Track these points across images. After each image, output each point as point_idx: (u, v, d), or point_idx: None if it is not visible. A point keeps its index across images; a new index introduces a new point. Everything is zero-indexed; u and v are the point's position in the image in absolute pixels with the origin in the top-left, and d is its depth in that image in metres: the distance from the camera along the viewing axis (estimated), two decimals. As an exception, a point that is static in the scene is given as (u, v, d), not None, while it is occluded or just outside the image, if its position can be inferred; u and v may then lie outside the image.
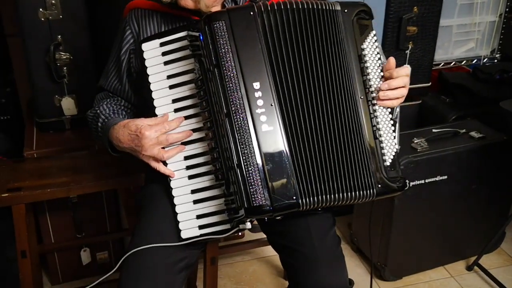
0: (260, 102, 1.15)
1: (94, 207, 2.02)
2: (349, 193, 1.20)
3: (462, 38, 2.62)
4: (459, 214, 2.08)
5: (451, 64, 2.67)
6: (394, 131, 1.25)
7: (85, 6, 1.88)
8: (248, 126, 1.14)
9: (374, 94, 1.24)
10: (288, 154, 1.16)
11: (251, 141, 1.14)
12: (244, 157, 1.14)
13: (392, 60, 1.24)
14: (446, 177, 1.97)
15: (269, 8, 1.17)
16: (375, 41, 1.25)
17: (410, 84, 2.29)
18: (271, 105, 1.16)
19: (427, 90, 2.43)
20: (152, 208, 1.33)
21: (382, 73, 1.25)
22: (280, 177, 1.15)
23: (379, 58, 1.25)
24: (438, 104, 2.40)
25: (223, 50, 1.14)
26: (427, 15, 2.25)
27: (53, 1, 1.81)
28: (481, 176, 2.05)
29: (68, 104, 1.97)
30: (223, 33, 1.14)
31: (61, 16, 1.84)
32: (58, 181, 1.65)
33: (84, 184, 1.65)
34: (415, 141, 1.98)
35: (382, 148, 1.24)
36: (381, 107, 1.24)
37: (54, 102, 1.96)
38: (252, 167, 1.14)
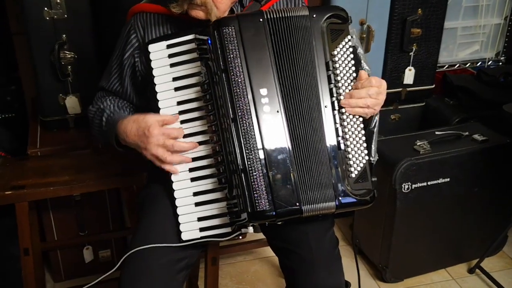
0: (266, 109, 1.16)
1: (97, 206, 2.03)
2: (311, 206, 1.18)
3: (466, 41, 2.62)
4: (461, 217, 2.08)
5: (456, 67, 2.67)
6: (366, 141, 1.21)
7: (89, 6, 1.89)
8: (254, 132, 1.15)
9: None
10: (293, 160, 1.17)
11: (257, 146, 1.15)
12: (249, 162, 1.14)
13: (362, 72, 1.20)
14: (448, 179, 1.97)
15: (275, 16, 1.17)
16: (350, 46, 1.20)
17: (415, 86, 2.35)
18: (277, 111, 1.17)
19: (430, 92, 2.43)
20: (153, 208, 1.34)
21: (355, 81, 1.20)
22: (284, 183, 1.16)
23: (353, 65, 1.20)
24: (442, 106, 2.40)
25: (231, 55, 1.15)
26: (432, 17, 2.25)
27: (58, 1, 1.82)
28: (483, 179, 2.04)
29: (72, 103, 1.98)
30: (232, 38, 1.15)
31: (66, 16, 1.85)
32: (61, 179, 1.66)
33: (87, 183, 1.65)
34: (418, 143, 1.98)
35: (348, 158, 1.20)
36: (351, 117, 1.20)
37: (58, 100, 1.97)
38: (256, 172, 1.14)
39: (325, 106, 1.19)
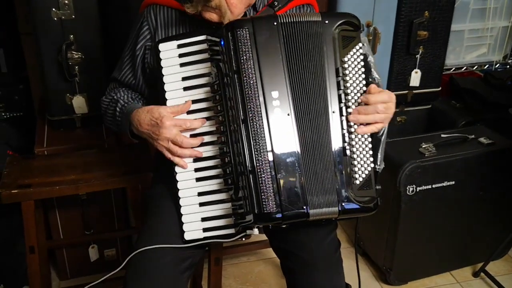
0: (277, 111, 1.16)
1: (102, 205, 2.04)
2: (317, 210, 1.18)
3: (474, 43, 2.61)
4: (466, 220, 2.07)
5: (463, 69, 2.66)
6: (372, 149, 1.21)
7: (97, 6, 1.91)
8: (264, 134, 1.15)
9: (350, 110, 1.19)
10: (301, 164, 1.17)
11: (266, 148, 1.15)
12: (258, 164, 1.15)
13: (372, 86, 1.20)
14: (453, 182, 1.96)
15: (288, 20, 1.18)
16: (361, 53, 1.20)
17: (421, 88, 2.35)
18: (288, 114, 1.17)
19: (437, 95, 2.42)
20: (158, 208, 1.35)
21: (364, 88, 1.20)
22: (292, 185, 1.16)
23: (363, 72, 1.20)
24: (448, 109, 2.40)
25: (244, 57, 1.15)
26: (439, 19, 2.24)
27: (66, 1, 1.84)
28: (489, 182, 2.03)
29: (79, 103, 2.00)
30: (246, 40, 1.15)
31: (73, 16, 1.87)
32: (67, 178, 1.67)
33: (92, 182, 1.67)
34: (423, 146, 1.97)
35: (353, 165, 1.20)
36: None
37: (66, 100, 1.99)
38: (265, 174, 1.15)
39: (333, 112, 1.19)
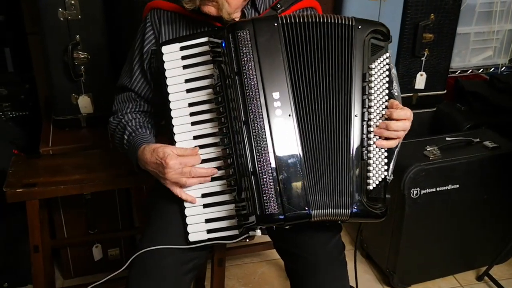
0: (278, 112, 1.17)
1: (107, 205, 2.05)
2: (322, 211, 1.18)
3: (479, 46, 2.60)
4: (470, 224, 2.06)
5: (468, 72, 2.65)
6: (386, 157, 1.23)
7: (103, 7, 1.91)
8: (265, 135, 1.16)
9: (372, 116, 1.21)
10: (303, 164, 1.17)
11: (267, 149, 1.16)
12: (259, 165, 1.15)
13: (394, 101, 1.22)
14: (458, 186, 1.96)
15: (290, 21, 1.18)
16: (387, 63, 1.22)
17: (426, 91, 2.35)
18: (289, 115, 1.17)
19: (442, 98, 2.42)
20: (162, 209, 1.35)
21: (387, 97, 1.22)
22: (294, 187, 1.16)
23: (387, 82, 1.22)
24: (453, 112, 2.39)
25: (245, 59, 1.16)
26: (444, 22, 2.24)
27: (73, 2, 1.85)
28: (493, 186, 2.03)
29: (84, 103, 2.00)
30: (246, 42, 1.16)
31: (79, 16, 1.87)
32: (72, 178, 1.68)
33: (97, 182, 1.67)
34: (428, 149, 1.97)
35: (368, 170, 1.21)
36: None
37: (71, 100, 1.99)
38: (266, 175, 1.15)
39: (355, 115, 1.20)
